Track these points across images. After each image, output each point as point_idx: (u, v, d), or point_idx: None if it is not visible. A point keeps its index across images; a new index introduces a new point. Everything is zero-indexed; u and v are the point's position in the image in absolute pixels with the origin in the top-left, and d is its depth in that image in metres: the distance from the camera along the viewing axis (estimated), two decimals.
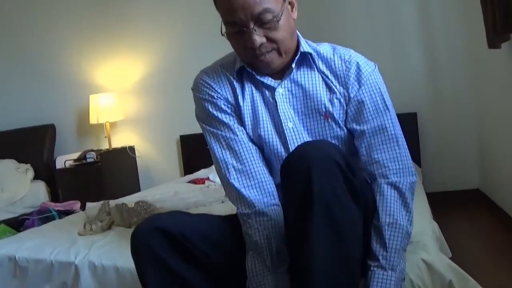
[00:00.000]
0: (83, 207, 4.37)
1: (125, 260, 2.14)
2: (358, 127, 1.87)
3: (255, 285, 1.71)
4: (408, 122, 4.73)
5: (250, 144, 1.91)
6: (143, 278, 1.71)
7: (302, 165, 1.52)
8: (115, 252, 2.27)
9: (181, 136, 5.63)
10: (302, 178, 1.51)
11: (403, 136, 1.89)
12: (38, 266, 2.37)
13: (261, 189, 1.84)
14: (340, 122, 1.89)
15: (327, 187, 1.49)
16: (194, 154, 5.29)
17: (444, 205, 4.51)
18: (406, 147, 1.88)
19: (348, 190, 1.54)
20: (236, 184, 1.85)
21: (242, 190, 1.83)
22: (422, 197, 3.07)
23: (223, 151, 1.90)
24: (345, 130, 1.91)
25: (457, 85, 4.97)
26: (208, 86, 1.95)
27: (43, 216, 4.48)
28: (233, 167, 1.87)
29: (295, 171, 1.55)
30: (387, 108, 1.89)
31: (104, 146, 5.74)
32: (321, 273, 1.47)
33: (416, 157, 4.78)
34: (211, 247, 1.74)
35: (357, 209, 1.59)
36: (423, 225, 2.22)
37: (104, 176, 5.19)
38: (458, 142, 5.06)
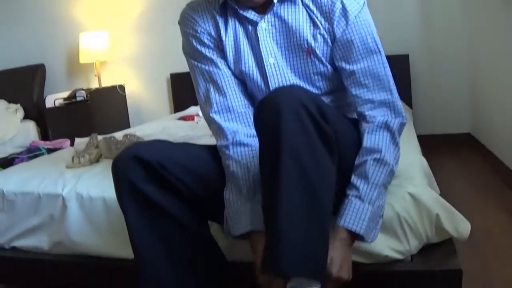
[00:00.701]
0: (72, 145, 4.35)
1: (113, 191, 2.11)
2: (348, 67, 1.84)
3: (231, 214, 1.72)
4: (400, 64, 4.72)
5: (232, 77, 1.90)
6: (122, 206, 1.71)
7: (271, 114, 1.49)
8: (102, 184, 2.26)
9: (171, 74, 5.63)
10: (272, 128, 1.49)
11: (392, 77, 1.87)
12: (25, 199, 2.37)
13: (241, 121, 1.85)
14: (322, 59, 1.87)
15: (297, 137, 1.47)
16: (184, 92, 5.23)
17: (434, 147, 4.53)
18: (396, 88, 1.86)
19: (320, 138, 1.50)
20: (217, 117, 1.85)
21: (222, 122, 1.84)
22: (412, 135, 3.06)
23: (206, 84, 1.90)
24: (328, 67, 1.88)
25: (450, 27, 4.95)
26: (192, 20, 1.93)
27: (32, 155, 4.48)
28: (215, 100, 1.87)
29: (265, 119, 1.53)
30: (377, 48, 1.86)
31: (94, 85, 5.73)
32: (291, 226, 1.44)
33: (407, 99, 4.78)
34: (190, 176, 1.74)
35: (330, 158, 1.55)
36: (411, 160, 2.21)
37: (93, 114, 5.18)
38: (450, 85, 5.05)
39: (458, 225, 2.00)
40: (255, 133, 1.80)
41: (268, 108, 1.51)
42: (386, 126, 1.77)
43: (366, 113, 1.81)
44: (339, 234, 1.62)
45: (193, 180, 1.74)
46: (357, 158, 1.76)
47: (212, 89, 1.89)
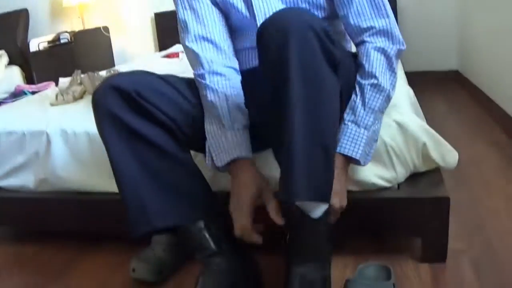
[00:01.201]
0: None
1: None
2: None
3: (214, 145, 1.72)
4: None
5: (212, 6, 1.85)
6: (102, 136, 1.70)
7: (279, 34, 1.45)
8: (86, 119, 2.22)
9: (155, 14, 5.60)
10: (279, 48, 1.45)
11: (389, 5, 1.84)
12: (10, 138, 2.34)
13: (219, 51, 1.81)
14: None
15: (305, 58, 1.44)
16: (168, 31, 5.18)
17: (422, 84, 4.53)
18: (392, 14, 1.82)
19: (327, 60, 1.48)
20: (193, 46, 1.82)
21: (199, 51, 1.80)
22: (399, 66, 3.04)
23: (185, 12, 1.85)
24: None
25: None
26: None
27: (17, 99, 4.44)
28: (193, 28, 1.82)
29: (272, 40, 1.48)
30: None
31: (78, 27, 5.66)
32: (297, 142, 1.44)
33: None
34: (169, 105, 1.72)
35: (336, 81, 1.55)
36: (398, 88, 2.19)
37: (78, 56, 5.15)
38: (439, 22, 5.04)
39: (445, 154, 2.00)
40: (232, 65, 1.81)
41: (276, 27, 1.47)
42: (383, 52, 1.75)
43: (365, 39, 1.78)
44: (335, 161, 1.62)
45: (172, 108, 1.72)
46: (357, 77, 1.75)
47: (190, 17, 1.83)
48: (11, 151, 2.34)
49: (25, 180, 2.31)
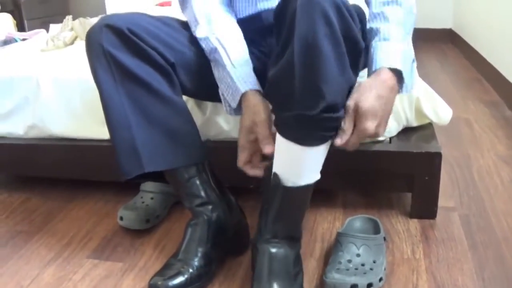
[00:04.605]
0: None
1: (88, 72, 2.07)
2: None
3: (225, 90, 1.66)
4: None
5: None
6: (96, 76, 1.64)
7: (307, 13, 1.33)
8: (78, 65, 2.20)
9: None
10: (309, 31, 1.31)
11: None
12: None
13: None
14: None
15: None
16: None
17: (415, 41, 4.50)
18: None
19: (349, 51, 1.36)
20: None
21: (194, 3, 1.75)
22: None
23: None
24: None
25: None
26: None
27: (8, 46, 4.39)
28: None
29: (301, 19, 1.33)
30: None
31: None
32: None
33: None
34: (166, 47, 1.66)
35: (354, 70, 1.41)
36: None
37: (70, 3, 5.09)
38: None
39: (439, 109, 1.99)
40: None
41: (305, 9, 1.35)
42: None
43: None
44: (379, 77, 1.45)
45: (168, 51, 1.67)
46: (373, 7, 1.63)
47: None
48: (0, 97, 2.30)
49: (14, 127, 2.28)
